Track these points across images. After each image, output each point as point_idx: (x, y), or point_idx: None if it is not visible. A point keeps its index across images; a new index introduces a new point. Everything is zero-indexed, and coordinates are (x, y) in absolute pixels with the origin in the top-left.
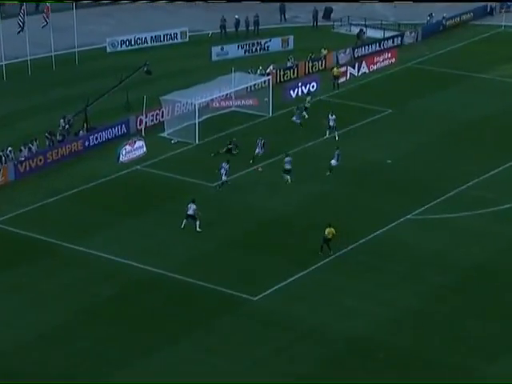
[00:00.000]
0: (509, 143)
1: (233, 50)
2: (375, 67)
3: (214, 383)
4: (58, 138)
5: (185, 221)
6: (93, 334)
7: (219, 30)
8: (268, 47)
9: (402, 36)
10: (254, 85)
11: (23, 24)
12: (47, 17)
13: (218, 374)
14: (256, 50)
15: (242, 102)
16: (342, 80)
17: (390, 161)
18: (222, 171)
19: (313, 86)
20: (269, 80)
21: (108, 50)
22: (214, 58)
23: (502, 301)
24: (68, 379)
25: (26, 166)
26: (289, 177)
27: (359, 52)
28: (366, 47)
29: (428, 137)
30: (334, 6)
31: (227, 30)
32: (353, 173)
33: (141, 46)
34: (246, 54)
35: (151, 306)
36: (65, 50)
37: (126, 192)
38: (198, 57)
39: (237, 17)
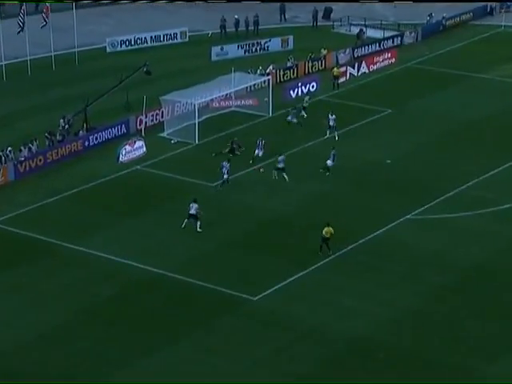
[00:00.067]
0: (508, 143)
1: (233, 50)
2: (375, 67)
3: (213, 383)
4: (58, 137)
5: (186, 220)
6: (93, 334)
7: (219, 30)
8: (268, 47)
9: (402, 36)
10: (254, 85)
11: (23, 24)
12: (46, 17)
13: (218, 374)
14: (256, 50)
15: (242, 102)
16: (341, 80)
17: (389, 161)
18: (224, 170)
19: (313, 86)
20: (269, 80)
21: (108, 50)
22: (214, 58)
23: (502, 301)
24: (68, 379)
25: (25, 166)
26: (285, 174)
27: (359, 52)
28: (366, 47)
29: (428, 137)
30: (334, 5)
31: (227, 29)
32: (352, 173)
33: (141, 46)
34: (246, 54)
35: (151, 306)
36: (65, 50)
37: (126, 192)
38: (198, 57)
39: (236, 17)
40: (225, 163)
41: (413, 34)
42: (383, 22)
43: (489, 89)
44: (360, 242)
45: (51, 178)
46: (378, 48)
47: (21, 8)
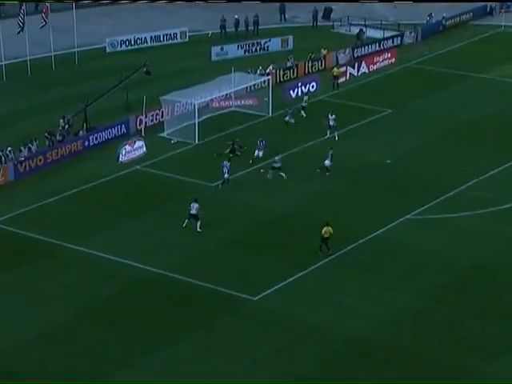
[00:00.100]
0: (508, 143)
1: (232, 50)
2: (375, 67)
3: (213, 383)
4: (58, 138)
5: (187, 220)
6: (93, 334)
7: (219, 30)
8: (268, 47)
9: (402, 36)
10: (254, 85)
11: (23, 24)
12: (46, 17)
13: (218, 374)
14: (256, 49)
15: (242, 102)
16: (341, 80)
17: (389, 161)
18: (224, 169)
19: (312, 86)
20: (268, 80)
21: (108, 50)
22: (214, 58)
23: (502, 301)
24: (68, 379)
25: (25, 166)
26: (281, 172)
27: (359, 52)
28: (366, 47)
29: (427, 137)
30: (334, 5)
31: (227, 29)
32: (352, 173)
33: (140, 46)
34: (246, 53)
35: (151, 306)
36: (64, 50)
37: (126, 192)
38: (198, 57)
39: (236, 17)
40: (225, 162)
41: (413, 33)
42: (383, 22)
43: (489, 89)
44: (360, 242)
45: (51, 178)
46: (377, 48)
47: (20, 8)
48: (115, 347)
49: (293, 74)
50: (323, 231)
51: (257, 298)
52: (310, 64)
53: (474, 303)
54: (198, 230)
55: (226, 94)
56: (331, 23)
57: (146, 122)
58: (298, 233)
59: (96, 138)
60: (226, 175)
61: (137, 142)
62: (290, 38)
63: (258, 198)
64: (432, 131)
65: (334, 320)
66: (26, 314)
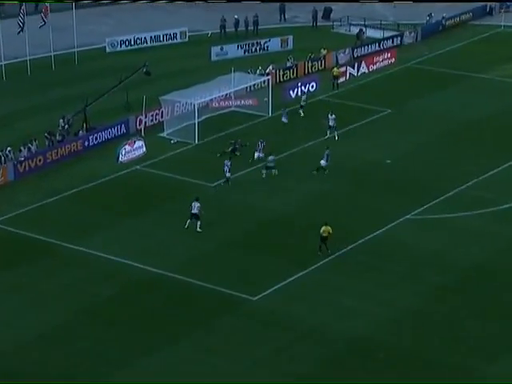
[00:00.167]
0: (508, 143)
1: (232, 50)
2: (375, 67)
3: (213, 383)
4: (58, 138)
5: (189, 221)
6: (93, 334)
7: (219, 30)
8: (267, 47)
9: (402, 36)
10: (254, 85)
11: (23, 24)
12: (45, 17)
13: (218, 374)
14: (255, 49)
15: (242, 102)
16: (341, 80)
17: (389, 161)
18: (225, 168)
19: (312, 86)
20: (268, 80)
21: (107, 50)
22: (214, 58)
23: (502, 301)
24: (68, 379)
25: (25, 166)
26: (275, 170)
27: (359, 52)
28: (366, 47)
29: (427, 137)
30: (334, 5)
31: (227, 29)
32: (352, 173)
33: (140, 46)
34: (246, 53)
35: (151, 306)
36: (64, 50)
37: (126, 192)
38: (198, 57)
39: (236, 17)
40: (226, 161)
41: (412, 34)
42: (383, 22)
43: (488, 89)
44: (360, 241)
45: (51, 178)
46: (377, 48)
47: (20, 8)
48: (115, 347)
49: (292, 74)
50: (321, 230)
51: (257, 297)
52: (310, 64)
53: (473, 303)
54: (198, 229)
55: (226, 94)
56: (331, 23)
57: (145, 122)
58: (298, 233)
59: (96, 138)
60: (227, 174)
61: (136, 142)
62: (290, 38)
63: (258, 197)
64: (432, 131)
65: (334, 320)
66: (26, 314)
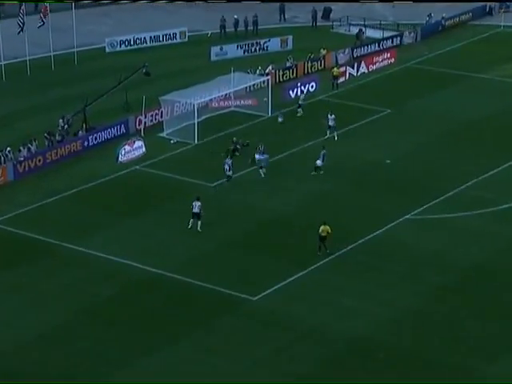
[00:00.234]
0: (508, 143)
1: (232, 50)
2: (374, 67)
3: (213, 383)
4: (57, 138)
5: (191, 220)
6: (93, 334)
7: (218, 30)
8: (267, 47)
9: (401, 36)
10: (253, 85)
11: (23, 24)
12: (44, 17)
13: (218, 374)
14: (255, 50)
15: (242, 102)
16: (341, 80)
17: (389, 161)
18: (226, 167)
19: (312, 86)
20: (268, 80)
21: (107, 50)
22: (213, 58)
23: (501, 301)
24: (68, 379)
25: (25, 166)
26: (262, 170)
27: (358, 52)
28: (365, 47)
29: (427, 137)
30: (333, 5)
31: (226, 29)
32: (352, 173)
33: (140, 46)
34: (245, 54)
35: (151, 306)
36: (64, 50)
37: (126, 192)
38: (198, 57)
39: (236, 17)
40: (227, 160)
41: (412, 34)
42: (382, 22)
43: (488, 89)
44: (360, 241)
45: (51, 178)
46: (377, 48)
47: (20, 8)
48: (115, 347)
49: (292, 74)
50: (320, 230)
51: (256, 297)
52: (310, 64)
53: (473, 303)
54: (198, 229)
55: (226, 94)
56: (330, 23)
57: (145, 122)
58: (298, 233)
59: (95, 138)
60: (228, 172)
61: (136, 142)
62: (290, 38)
63: (258, 197)
64: (432, 131)
65: (334, 320)
66: (26, 314)
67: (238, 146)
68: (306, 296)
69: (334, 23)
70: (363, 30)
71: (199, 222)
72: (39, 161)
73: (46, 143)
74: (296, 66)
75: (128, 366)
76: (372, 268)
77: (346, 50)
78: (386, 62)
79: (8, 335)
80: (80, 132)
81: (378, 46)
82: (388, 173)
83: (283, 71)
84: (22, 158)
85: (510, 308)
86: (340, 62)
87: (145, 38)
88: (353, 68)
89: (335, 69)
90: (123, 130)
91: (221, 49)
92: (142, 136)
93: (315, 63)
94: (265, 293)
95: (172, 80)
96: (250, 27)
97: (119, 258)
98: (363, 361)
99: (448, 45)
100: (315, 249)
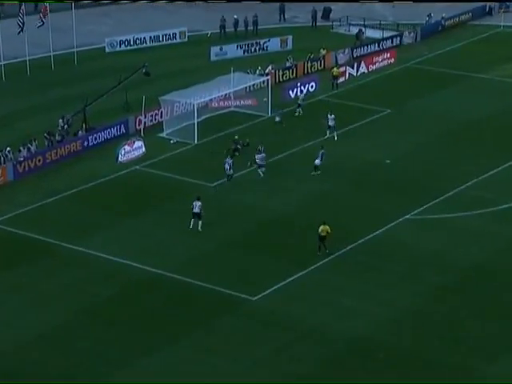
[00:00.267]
0: (508, 143)
1: (232, 50)
2: (374, 67)
3: (213, 383)
4: (57, 138)
5: (192, 220)
6: (93, 334)
7: (218, 30)
8: (267, 47)
9: (401, 36)
10: (253, 85)
11: (23, 24)
12: (44, 17)
13: (218, 374)
14: (255, 50)
15: (241, 102)
16: (340, 80)
17: (388, 161)
18: (226, 166)
19: (312, 86)
20: (268, 80)
21: (107, 50)
22: (213, 58)
23: (501, 301)
24: (68, 379)
25: (24, 166)
26: (260, 170)
27: (358, 52)
28: (365, 47)
29: (427, 137)
30: (333, 5)
31: (226, 30)
32: (352, 173)
33: (140, 46)
34: (245, 54)
35: (151, 306)
36: (64, 50)
37: (125, 192)
38: (197, 57)
39: (235, 17)
40: (227, 159)
41: (412, 34)
42: (382, 22)
43: (488, 89)
44: (359, 241)
45: (50, 178)
46: (377, 48)
47: (20, 8)
48: (115, 347)
49: (292, 74)
50: (320, 229)
51: (256, 297)
52: (310, 64)
53: (473, 303)
54: (199, 229)
55: (226, 94)
56: (330, 23)
57: (145, 122)
58: (298, 233)
59: (95, 138)
60: (229, 171)
61: (136, 142)
62: (290, 38)
63: (258, 198)
64: (431, 131)
65: (334, 320)
66: (26, 314)
67: (238, 146)
68: (305, 296)
69: (334, 23)
70: (363, 30)
71: (200, 222)
72: (39, 161)
73: (46, 143)
74: (296, 66)
75: (128, 365)
76: (372, 268)
77: (346, 50)
78: (385, 62)
79: (8, 335)
80: (80, 132)
81: (378, 46)
82: (388, 173)
83: (283, 71)
84: (21, 158)
85: (510, 308)
86: (340, 62)
87: (145, 38)
88: (352, 68)
89: (335, 69)
90: (123, 130)
91: (221, 49)
92: (142, 136)
93: (315, 63)
94: (265, 293)
95: (172, 80)
96: (250, 27)
97: (119, 258)
98: (363, 361)
99: (448, 45)
100: (315, 249)
